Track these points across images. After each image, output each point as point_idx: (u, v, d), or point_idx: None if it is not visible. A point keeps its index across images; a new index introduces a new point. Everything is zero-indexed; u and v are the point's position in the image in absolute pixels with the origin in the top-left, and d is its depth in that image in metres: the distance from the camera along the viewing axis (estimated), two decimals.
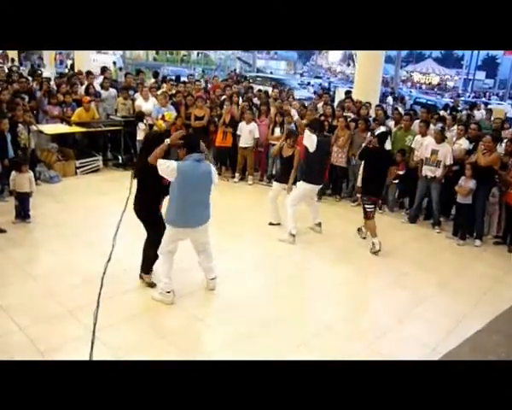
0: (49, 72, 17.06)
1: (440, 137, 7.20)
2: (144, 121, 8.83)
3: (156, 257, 4.84)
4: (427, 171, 7.31)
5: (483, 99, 31.59)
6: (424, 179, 7.38)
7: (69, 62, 21.14)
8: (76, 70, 14.52)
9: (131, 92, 10.29)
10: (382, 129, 7.71)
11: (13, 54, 23.20)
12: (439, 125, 7.54)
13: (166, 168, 4.30)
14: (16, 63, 19.78)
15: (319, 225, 6.86)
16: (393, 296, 5.29)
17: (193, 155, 4.44)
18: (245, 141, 8.93)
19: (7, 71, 11.99)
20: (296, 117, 7.29)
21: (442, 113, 10.97)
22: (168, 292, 4.66)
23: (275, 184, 7.06)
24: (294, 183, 6.68)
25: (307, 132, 6.37)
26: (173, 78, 15.18)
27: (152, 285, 4.88)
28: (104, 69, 12.71)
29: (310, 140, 6.27)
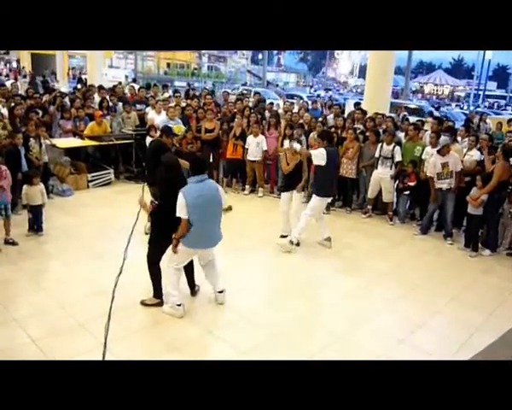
0: (64, 87, 17.36)
1: (447, 151, 7.12)
2: (152, 134, 8.91)
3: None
4: (442, 184, 7.22)
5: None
6: (439, 192, 7.30)
7: (83, 77, 21.53)
8: (88, 84, 14.74)
9: (143, 106, 10.43)
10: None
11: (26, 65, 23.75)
12: (445, 137, 7.38)
13: (182, 211, 4.39)
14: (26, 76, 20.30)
15: (329, 239, 6.81)
16: (405, 308, 5.25)
17: (195, 177, 4.54)
18: (253, 154, 8.97)
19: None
20: (299, 148, 6.84)
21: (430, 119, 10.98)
22: (178, 305, 4.68)
23: (282, 194, 7.06)
24: (295, 186, 6.67)
25: (313, 152, 6.39)
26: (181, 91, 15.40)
27: (160, 304, 4.85)
28: (134, 80, 12.92)
29: (319, 156, 6.30)
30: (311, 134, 8.68)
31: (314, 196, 6.56)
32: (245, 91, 18.89)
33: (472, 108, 30.59)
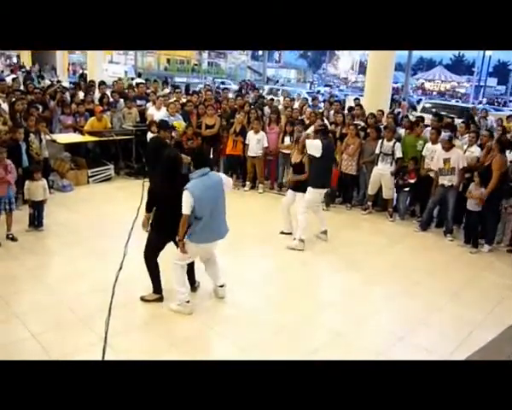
0: (64, 82, 17.33)
1: (449, 146, 7.15)
2: (152, 130, 8.90)
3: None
4: (443, 180, 7.24)
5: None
6: (441, 188, 7.31)
7: (85, 72, 21.56)
8: (88, 80, 14.72)
9: (143, 102, 10.41)
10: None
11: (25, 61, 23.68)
12: (447, 134, 7.45)
13: (187, 207, 4.31)
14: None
15: (325, 232, 6.84)
16: (405, 305, 5.26)
17: (199, 171, 4.48)
18: (253, 150, 8.96)
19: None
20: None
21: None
22: (187, 302, 4.65)
23: (288, 191, 7.03)
24: (303, 188, 6.61)
25: (308, 141, 6.39)
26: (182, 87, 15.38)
27: (160, 299, 4.85)
28: (140, 75, 12.89)
29: (314, 147, 6.30)
30: (309, 129, 8.66)
31: (308, 188, 6.47)
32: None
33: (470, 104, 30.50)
